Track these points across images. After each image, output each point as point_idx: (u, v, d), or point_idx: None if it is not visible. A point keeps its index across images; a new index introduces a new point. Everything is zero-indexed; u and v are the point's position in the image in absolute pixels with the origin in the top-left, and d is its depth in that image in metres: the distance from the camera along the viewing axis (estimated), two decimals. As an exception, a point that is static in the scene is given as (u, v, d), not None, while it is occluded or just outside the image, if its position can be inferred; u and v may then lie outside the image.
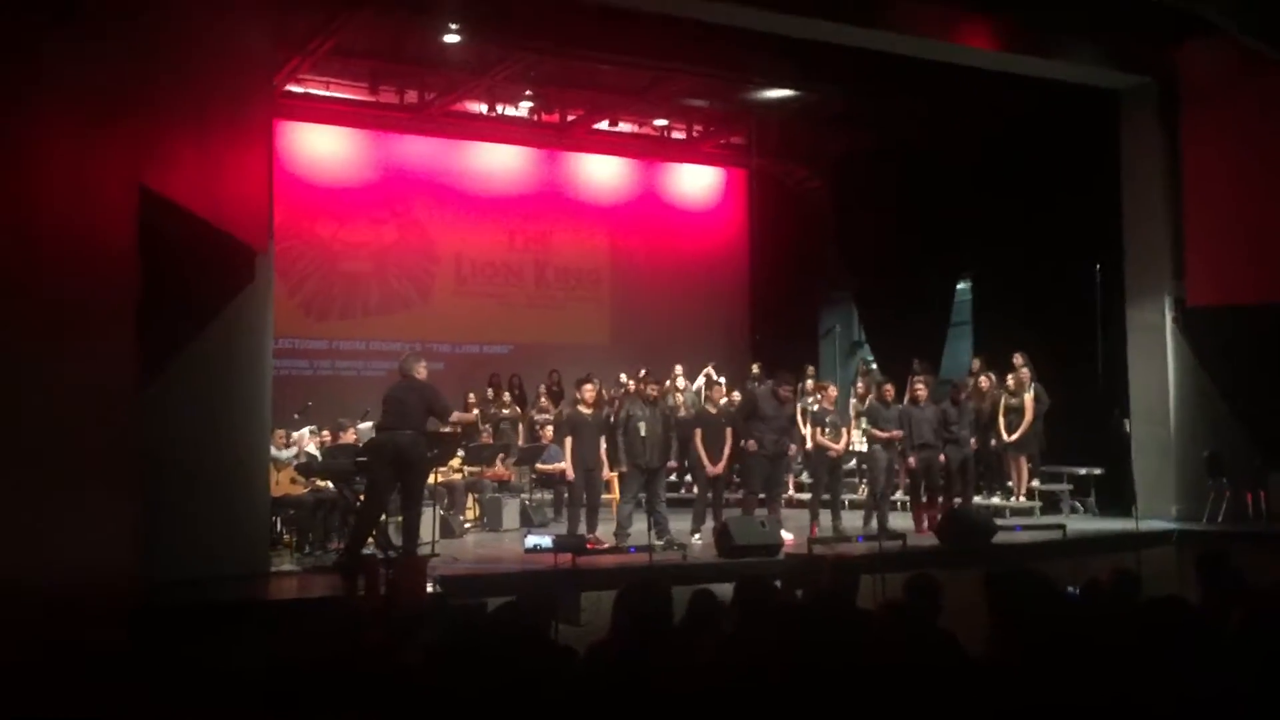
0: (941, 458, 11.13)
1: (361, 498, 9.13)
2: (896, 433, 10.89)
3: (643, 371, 12.60)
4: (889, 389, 11.39)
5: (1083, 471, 12.46)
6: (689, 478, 12.27)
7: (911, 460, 11.00)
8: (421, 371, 8.96)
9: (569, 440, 10.10)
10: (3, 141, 4.31)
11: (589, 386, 10.32)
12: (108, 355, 5.26)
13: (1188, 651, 3.19)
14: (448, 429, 9.74)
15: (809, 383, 13.37)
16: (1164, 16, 10.99)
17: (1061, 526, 10.72)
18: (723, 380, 12.79)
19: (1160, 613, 3.35)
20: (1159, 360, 12.15)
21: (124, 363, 5.40)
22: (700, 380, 14.10)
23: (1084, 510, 12.42)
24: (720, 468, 10.40)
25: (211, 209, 6.89)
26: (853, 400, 13.22)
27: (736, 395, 12.34)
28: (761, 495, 10.46)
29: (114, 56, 5.23)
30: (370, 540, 8.90)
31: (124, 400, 5.42)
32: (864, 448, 11.43)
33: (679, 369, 14.12)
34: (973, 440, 11.54)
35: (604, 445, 10.34)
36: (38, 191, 4.55)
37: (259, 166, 8.38)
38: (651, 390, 10.47)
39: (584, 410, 10.18)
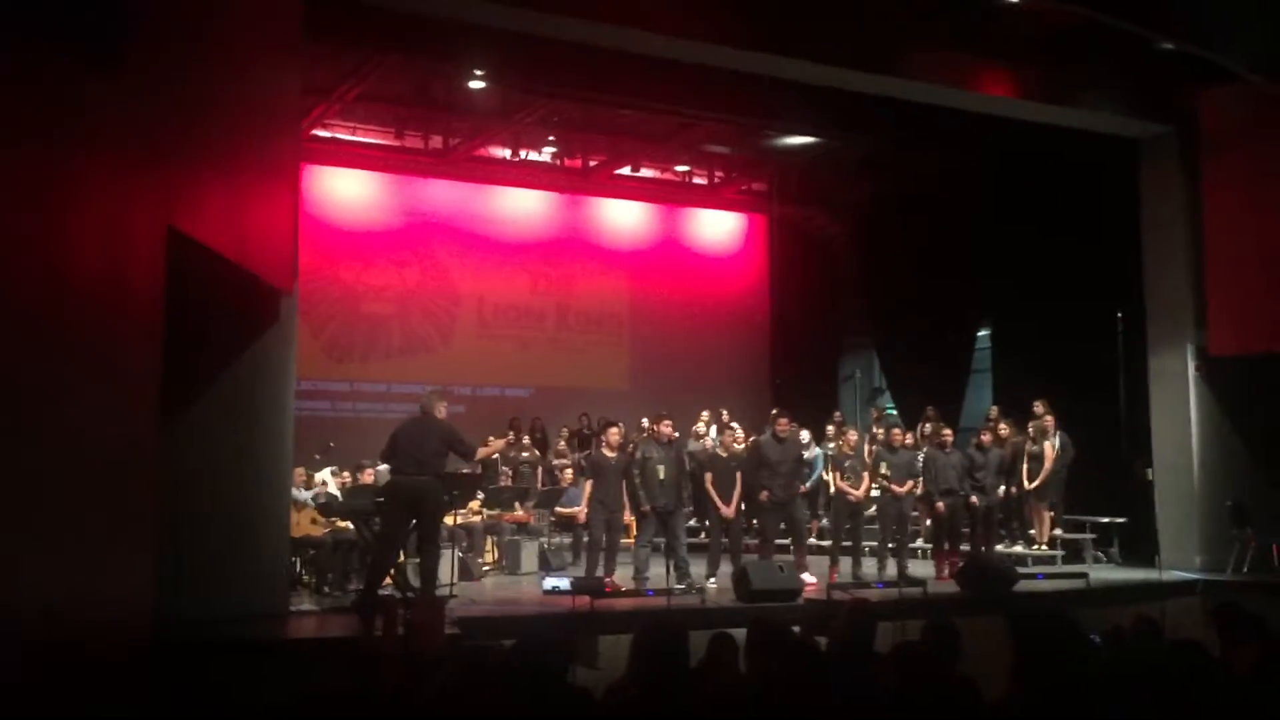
0: (973, 499, 11.12)
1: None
2: (901, 489, 10.90)
3: (662, 415, 12.53)
4: (896, 433, 11.40)
5: (1105, 521, 12.35)
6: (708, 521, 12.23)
7: (940, 505, 11.00)
8: (442, 411, 8.86)
9: (589, 483, 10.09)
10: (41, 184, 4.41)
11: (614, 430, 10.31)
12: (132, 393, 5.31)
13: (1205, 697, 3.16)
14: (469, 469, 9.70)
15: (830, 428, 13.36)
16: (1182, 64, 11.04)
17: (1084, 575, 10.62)
18: (736, 426, 12.72)
19: (1179, 656, 3.32)
20: (1181, 409, 12.07)
21: (148, 401, 5.46)
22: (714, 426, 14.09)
23: (1107, 560, 12.31)
24: (730, 509, 10.40)
25: (238, 250, 6.97)
26: (866, 445, 13.16)
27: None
28: (785, 541, 10.48)
29: (148, 103, 5.33)
30: (389, 581, 8.89)
31: (147, 438, 5.47)
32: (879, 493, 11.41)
33: (705, 414, 14.10)
34: (1000, 489, 11.52)
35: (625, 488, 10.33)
36: (70, 232, 4.63)
37: (285, 209, 8.47)
38: (664, 428, 10.35)
39: (608, 454, 10.18)
